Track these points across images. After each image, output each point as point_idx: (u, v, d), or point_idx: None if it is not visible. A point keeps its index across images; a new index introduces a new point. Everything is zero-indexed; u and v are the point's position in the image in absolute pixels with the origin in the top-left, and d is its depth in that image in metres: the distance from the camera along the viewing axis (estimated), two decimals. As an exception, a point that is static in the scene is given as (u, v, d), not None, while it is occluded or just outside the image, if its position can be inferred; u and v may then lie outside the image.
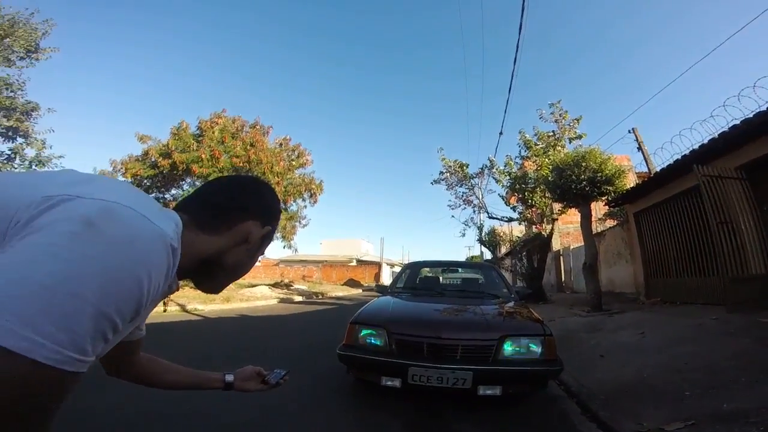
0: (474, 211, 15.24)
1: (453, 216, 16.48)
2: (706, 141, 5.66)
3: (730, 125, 5.21)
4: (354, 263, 37.89)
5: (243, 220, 0.70)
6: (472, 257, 37.14)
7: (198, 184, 12.17)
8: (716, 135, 5.45)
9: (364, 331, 2.78)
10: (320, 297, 15.76)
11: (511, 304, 3.56)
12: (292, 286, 19.76)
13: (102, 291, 0.42)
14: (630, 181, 8.04)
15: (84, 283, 0.41)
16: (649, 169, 9.78)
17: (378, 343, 2.71)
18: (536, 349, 2.60)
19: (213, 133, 12.33)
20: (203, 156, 11.61)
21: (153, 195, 12.53)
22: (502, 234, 18.10)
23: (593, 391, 2.89)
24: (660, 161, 7.42)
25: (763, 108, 4.68)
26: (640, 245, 8.48)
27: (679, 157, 6.23)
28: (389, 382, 2.55)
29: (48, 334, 0.39)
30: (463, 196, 14.23)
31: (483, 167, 13.81)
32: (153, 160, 12.05)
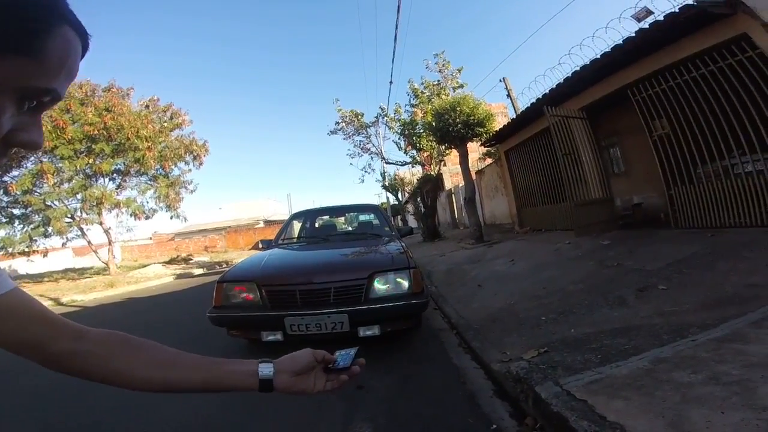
0: (371, 158, 15.74)
1: (351, 164, 16.86)
2: (554, 86, 6.24)
3: (573, 71, 5.71)
4: (261, 225, 36.22)
5: None
6: (381, 204, 38.41)
7: (44, 160, 10.16)
8: (562, 80, 6.01)
9: (235, 289, 2.69)
10: (224, 266, 14.91)
11: (388, 241, 3.55)
12: (191, 259, 18.28)
13: None
14: (500, 124, 8.96)
15: None
16: (516, 113, 10.98)
17: (251, 298, 2.63)
18: (404, 282, 2.60)
19: None
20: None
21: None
22: (398, 179, 18.89)
23: (469, 322, 3.02)
24: (523, 105, 8.22)
25: (598, 56, 5.07)
26: (511, 180, 9.64)
27: (535, 100, 6.82)
28: (270, 337, 2.48)
29: None
30: (360, 144, 14.64)
31: (377, 116, 14.33)
32: None
